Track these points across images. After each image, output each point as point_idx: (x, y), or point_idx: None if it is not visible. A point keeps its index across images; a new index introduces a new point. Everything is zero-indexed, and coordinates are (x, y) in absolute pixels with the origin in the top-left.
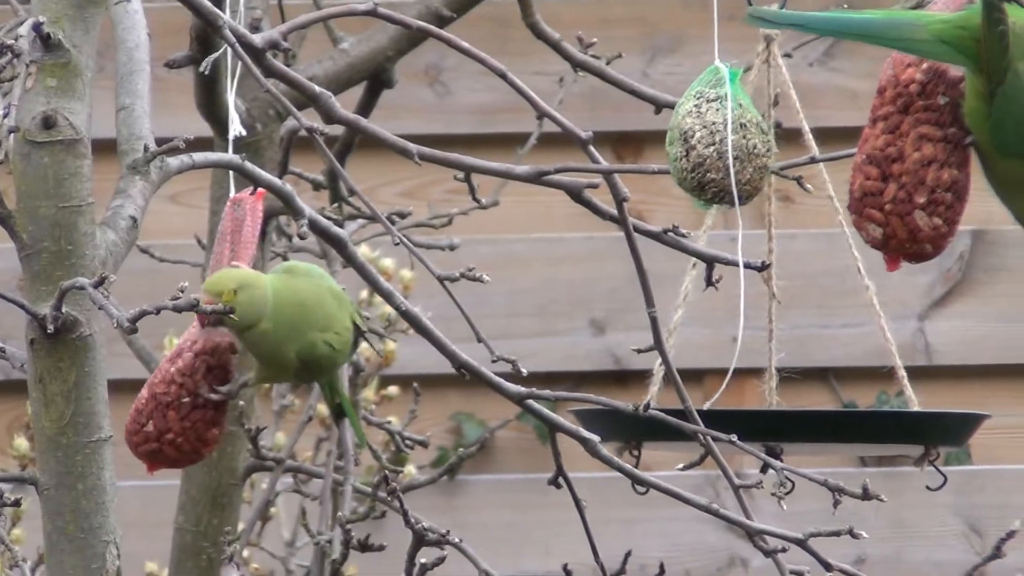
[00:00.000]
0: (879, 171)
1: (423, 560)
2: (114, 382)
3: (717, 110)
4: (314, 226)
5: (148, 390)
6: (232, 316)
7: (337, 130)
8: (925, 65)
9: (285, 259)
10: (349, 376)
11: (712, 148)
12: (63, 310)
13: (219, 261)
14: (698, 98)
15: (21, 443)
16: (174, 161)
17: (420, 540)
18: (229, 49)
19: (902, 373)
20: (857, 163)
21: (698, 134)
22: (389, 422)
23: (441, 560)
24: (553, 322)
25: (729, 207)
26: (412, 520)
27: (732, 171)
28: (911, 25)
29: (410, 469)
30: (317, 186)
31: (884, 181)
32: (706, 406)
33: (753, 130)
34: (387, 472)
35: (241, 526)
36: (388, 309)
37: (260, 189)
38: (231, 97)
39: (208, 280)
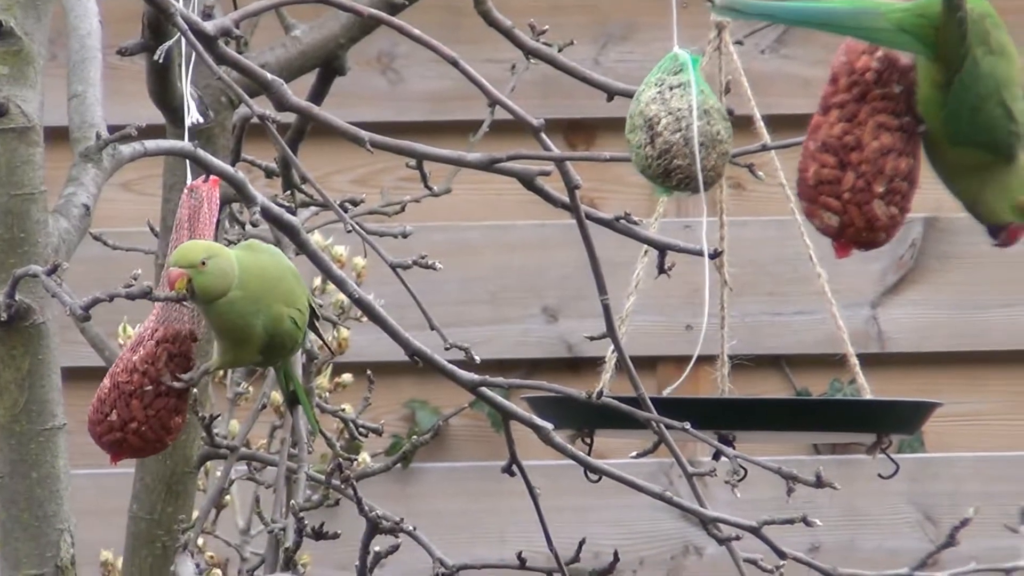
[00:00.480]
0: (836, 159)
1: (377, 548)
2: (68, 370)
3: (681, 96)
4: (267, 213)
5: (110, 379)
6: (193, 289)
7: (289, 117)
8: (880, 53)
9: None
10: (303, 363)
11: (679, 134)
12: (16, 298)
13: (174, 250)
14: (660, 85)
15: None
16: (126, 149)
17: (374, 528)
18: (182, 37)
19: (854, 360)
20: (809, 151)
21: (663, 120)
22: (343, 410)
23: (395, 548)
24: (506, 309)
25: (691, 194)
26: (366, 508)
27: (698, 157)
28: (871, 14)
29: (364, 457)
30: (270, 173)
31: (842, 169)
32: (664, 393)
33: (716, 116)
34: (341, 460)
35: (195, 514)
36: (341, 297)
37: (214, 176)
38: (186, 85)
39: (176, 251)
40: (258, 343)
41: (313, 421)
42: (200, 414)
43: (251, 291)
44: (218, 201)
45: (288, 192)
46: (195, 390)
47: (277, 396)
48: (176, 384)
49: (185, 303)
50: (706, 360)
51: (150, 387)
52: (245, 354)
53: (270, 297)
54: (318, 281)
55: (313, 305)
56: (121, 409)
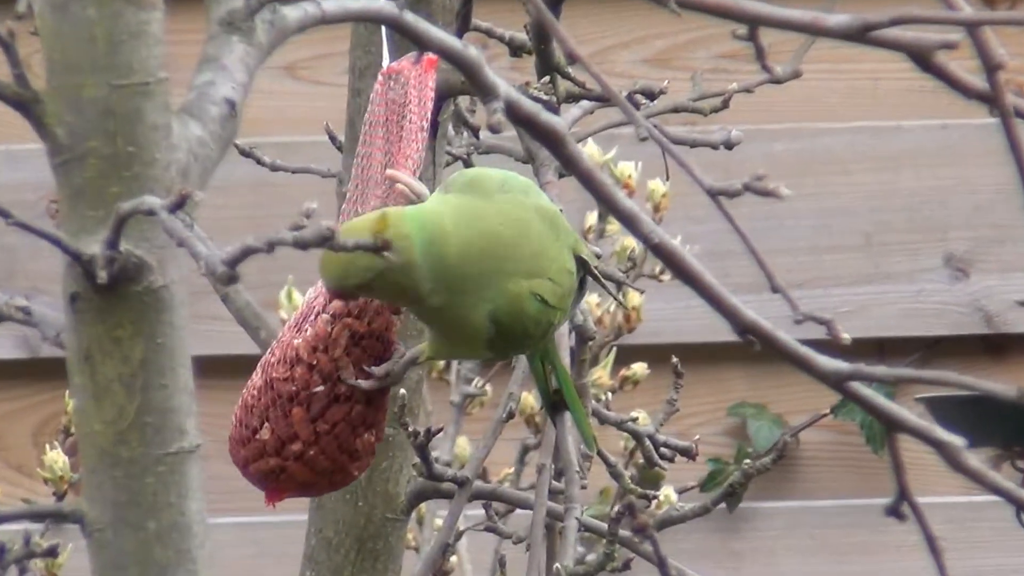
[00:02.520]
0: None
1: None
2: (203, 361)
3: None
4: (513, 112)
5: (262, 375)
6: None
7: None
8: None
9: (467, 163)
10: (571, 347)
11: None
12: (121, 248)
13: (365, 170)
14: None
15: (56, 458)
16: (292, 12)
17: None
18: None
19: None
20: None
21: None
22: (634, 419)
23: None
24: (887, 259)
25: None
26: (672, 573)
27: None
28: None
29: (668, 493)
30: (517, 50)
31: None
32: None
33: None
34: (633, 498)
35: None
36: (630, 242)
37: (430, 55)
38: None
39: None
40: (483, 337)
41: (588, 435)
42: (410, 428)
43: (467, 268)
44: (434, 93)
45: (546, 79)
46: (403, 391)
47: (530, 399)
48: (364, 384)
49: (388, 254)
50: None
51: (321, 387)
52: (463, 350)
53: (500, 272)
54: (593, 218)
55: (585, 257)
56: (278, 422)
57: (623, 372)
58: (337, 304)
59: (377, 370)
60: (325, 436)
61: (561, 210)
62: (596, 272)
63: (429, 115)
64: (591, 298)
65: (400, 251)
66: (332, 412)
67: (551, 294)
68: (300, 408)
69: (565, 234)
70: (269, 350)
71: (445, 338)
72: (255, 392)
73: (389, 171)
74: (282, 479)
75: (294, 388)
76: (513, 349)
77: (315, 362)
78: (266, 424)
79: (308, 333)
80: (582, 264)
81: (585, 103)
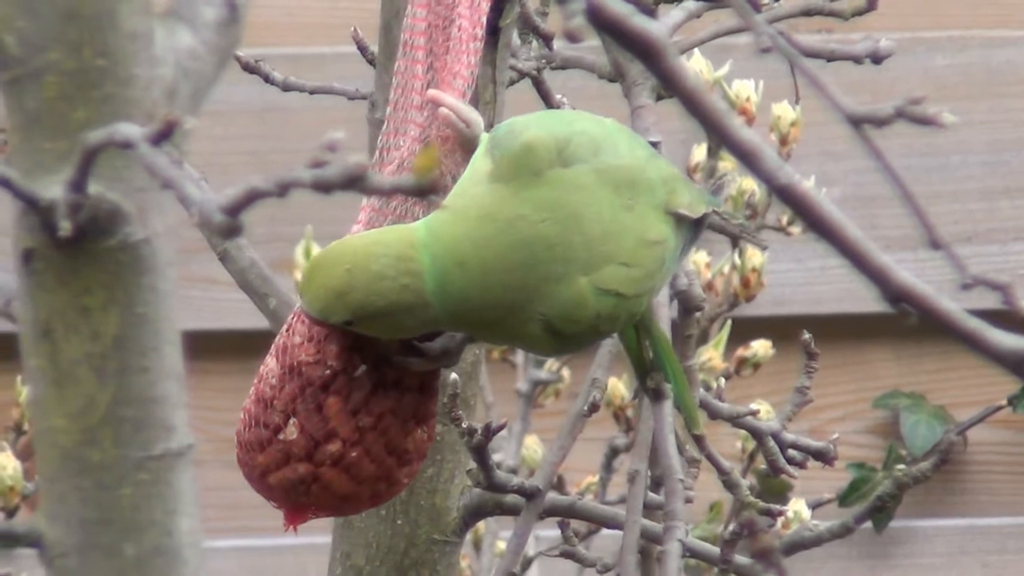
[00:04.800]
0: None
1: None
2: (196, 336)
3: None
4: (598, 14)
5: (280, 356)
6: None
7: None
8: None
9: (537, 81)
10: (672, 319)
11: None
12: (90, 190)
13: (406, 91)
14: None
15: (5, 463)
16: None
17: None
18: None
19: None
20: None
21: None
22: (754, 413)
23: None
24: None
25: None
26: None
27: None
28: None
29: (798, 508)
30: None
31: None
32: None
33: None
34: (752, 515)
35: None
36: (748, 184)
37: None
38: None
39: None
40: (546, 345)
41: (692, 414)
42: (464, 425)
43: (491, 307)
44: None
45: None
46: (454, 375)
47: (620, 387)
48: (416, 363)
49: (435, 198)
50: None
51: (363, 369)
52: (525, 349)
53: (546, 282)
54: (700, 153)
55: (685, 212)
56: (308, 417)
57: (740, 352)
58: None
59: (431, 346)
60: (369, 433)
61: (658, 143)
62: (699, 220)
63: (484, 20)
64: (699, 256)
65: (406, 290)
66: (377, 402)
67: (625, 282)
68: (337, 398)
69: (647, 190)
70: (286, 327)
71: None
72: (273, 381)
73: (431, 92)
74: (313, 491)
75: (328, 372)
76: (588, 345)
77: (352, 339)
78: (292, 420)
79: None
80: (684, 216)
81: (690, 4)
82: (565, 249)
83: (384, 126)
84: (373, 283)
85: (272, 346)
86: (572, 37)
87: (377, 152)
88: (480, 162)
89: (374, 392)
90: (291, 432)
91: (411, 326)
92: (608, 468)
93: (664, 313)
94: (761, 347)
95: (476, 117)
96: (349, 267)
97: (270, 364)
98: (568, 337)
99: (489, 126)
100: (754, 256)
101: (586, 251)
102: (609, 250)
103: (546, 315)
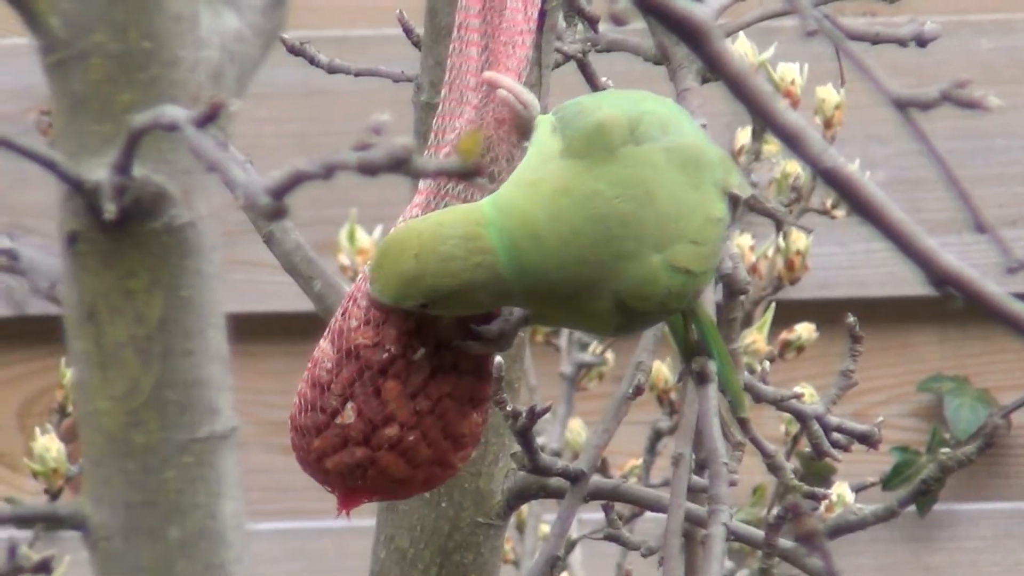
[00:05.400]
0: None
1: None
2: (240, 319)
3: None
4: None
5: (336, 340)
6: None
7: None
8: None
9: (582, 64)
10: (717, 303)
11: None
12: (135, 173)
13: (461, 72)
14: None
15: (49, 445)
16: None
17: None
18: None
19: None
20: None
21: None
22: (798, 396)
23: None
24: None
25: None
26: None
27: None
28: None
29: (842, 491)
30: None
31: None
32: None
33: None
34: (797, 498)
35: None
36: (793, 167)
37: None
38: None
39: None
40: (609, 324)
41: (738, 396)
42: (508, 408)
43: (566, 282)
44: None
45: None
46: (497, 359)
47: (664, 370)
48: (474, 346)
49: (483, 181)
50: None
51: (422, 352)
52: (583, 328)
53: (620, 259)
54: (745, 136)
55: (737, 191)
56: (366, 400)
57: (784, 335)
58: None
59: (488, 329)
60: (427, 416)
61: (703, 126)
62: (749, 203)
63: (538, 2)
64: (743, 240)
65: (479, 268)
66: (435, 385)
67: (695, 259)
68: (395, 381)
69: (710, 169)
70: (341, 311)
71: (566, 318)
72: (329, 365)
73: (487, 74)
74: (369, 475)
75: (386, 356)
76: (650, 325)
77: (413, 322)
78: (350, 404)
79: None
80: (734, 201)
81: None
82: (639, 226)
83: (440, 108)
84: (443, 265)
85: (326, 330)
86: (617, 20)
87: (432, 134)
88: (547, 141)
89: (432, 376)
90: (349, 416)
91: (486, 302)
92: (652, 451)
93: (708, 296)
94: (805, 330)
95: (533, 99)
96: (416, 252)
97: (325, 348)
98: (637, 315)
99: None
100: (799, 239)
101: (658, 228)
102: (680, 228)
103: (618, 292)
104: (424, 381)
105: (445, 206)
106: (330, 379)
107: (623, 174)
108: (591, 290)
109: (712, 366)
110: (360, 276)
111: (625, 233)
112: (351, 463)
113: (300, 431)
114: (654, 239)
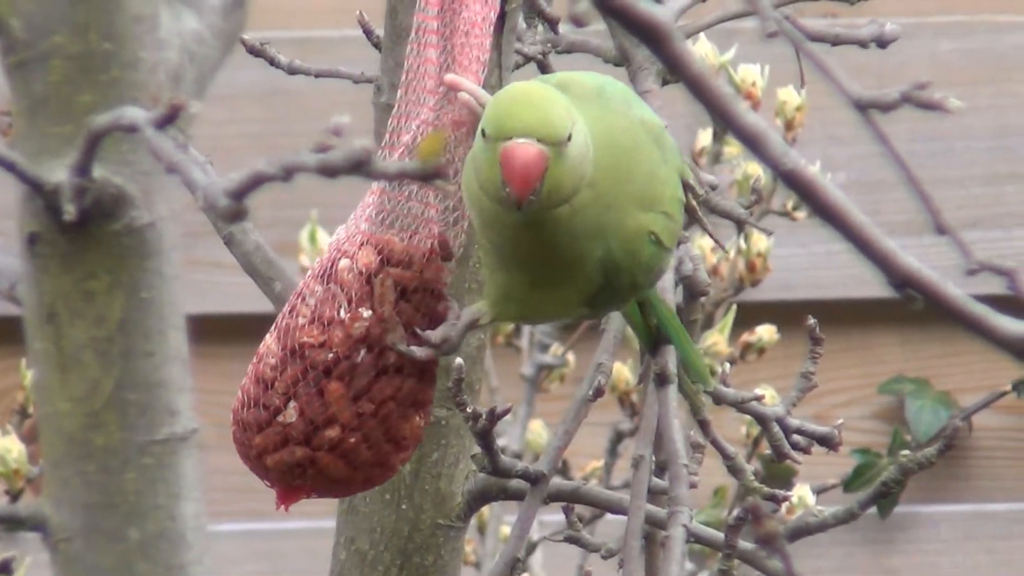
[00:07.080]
0: None
1: None
2: (201, 320)
3: None
4: None
5: (281, 338)
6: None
7: None
8: None
9: (542, 66)
10: (677, 305)
11: None
12: (95, 174)
13: (418, 75)
14: None
15: (9, 446)
16: None
17: None
18: None
19: None
20: None
21: None
22: (759, 398)
23: None
24: None
25: None
26: None
27: None
28: None
29: (802, 493)
30: None
31: None
32: None
33: None
34: (757, 500)
35: None
36: (754, 169)
37: None
38: None
39: (520, 103)
40: (585, 288)
41: (701, 370)
42: (469, 409)
43: (602, 189)
44: None
45: None
46: (459, 360)
47: (624, 371)
48: (419, 351)
49: (442, 183)
50: None
51: (365, 355)
52: (550, 307)
53: (624, 197)
54: (706, 138)
55: (692, 184)
56: (309, 400)
57: (745, 337)
58: (377, 245)
59: (434, 334)
60: (370, 419)
61: (666, 126)
62: (703, 204)
63: (497, 3)
64: (705, 241)
65: (558, 178)
66: (379, 388)
67: (665, 232)
68: (339, 383)
69: (673, 154)
70: (288, 307)
71: (533, 287)
72: (273, 362)
73: (448, 76)
74: (308, 475)
75: (332, 356)
76: (614, 304)
77: (358, 323)
78: (292, 403)
79: (344, 280)
80: (689, 191)
81: None
82: (634, 171)
83: (395, 109)
84: (566, 109)
85: (273, 325)
86: (578, 21)
87: (387, 135)
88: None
89: (376, 379)
90: (291, 415)
91: (582, 202)
92: (613, 453)
93: (669, 298)
94: (766, 332)
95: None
96: (538, 102)
97: (270, 344)
98: (612, 280)
99: None
100: (760, 241)
101: (642, 186)
102: (657, 193)
103: (609, 243)
104: (368, 384)
105: (400, 205)
106: (274, 376)
107: (613, 119)
108: (605, 215)
109: (672, 367)
110: (309, 273)
111: (630, 175)
112: (291, 462)
113: (242, 426)
114: (640, 195)
